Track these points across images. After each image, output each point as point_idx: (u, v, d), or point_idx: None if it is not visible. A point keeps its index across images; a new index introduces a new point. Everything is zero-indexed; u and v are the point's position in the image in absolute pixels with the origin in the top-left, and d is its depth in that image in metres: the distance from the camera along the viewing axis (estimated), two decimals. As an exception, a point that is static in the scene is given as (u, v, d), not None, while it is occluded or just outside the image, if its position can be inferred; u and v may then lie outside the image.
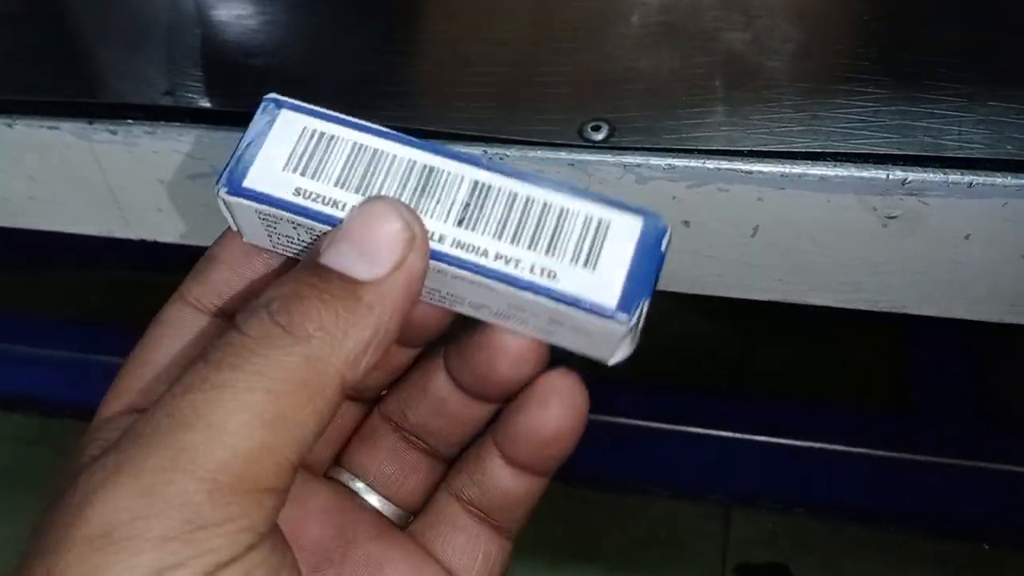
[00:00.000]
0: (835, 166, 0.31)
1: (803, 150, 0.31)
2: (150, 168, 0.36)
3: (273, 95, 0.26)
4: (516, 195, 0.25)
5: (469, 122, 0.33)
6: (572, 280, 0.24)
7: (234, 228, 0.27)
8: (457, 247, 0.24)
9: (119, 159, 0.36)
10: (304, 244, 0.26)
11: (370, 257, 0.22)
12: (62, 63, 0.38)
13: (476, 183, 0.25)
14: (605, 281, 0.24)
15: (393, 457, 0.30)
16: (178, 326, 0.26)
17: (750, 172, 0.31)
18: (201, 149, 0.35)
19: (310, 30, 0.39)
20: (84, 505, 0.20)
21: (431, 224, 0.24)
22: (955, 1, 0.37)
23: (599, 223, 0.25)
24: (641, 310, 0.24)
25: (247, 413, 0.20)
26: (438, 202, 0.25)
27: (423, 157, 0.25)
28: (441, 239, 0.24)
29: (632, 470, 0.98)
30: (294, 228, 0.25)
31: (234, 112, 0.35)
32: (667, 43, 0.36)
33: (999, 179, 0.30)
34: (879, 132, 0.31)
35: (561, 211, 0.25)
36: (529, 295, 0.24)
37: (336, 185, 0.25)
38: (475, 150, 0.33)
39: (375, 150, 0.25)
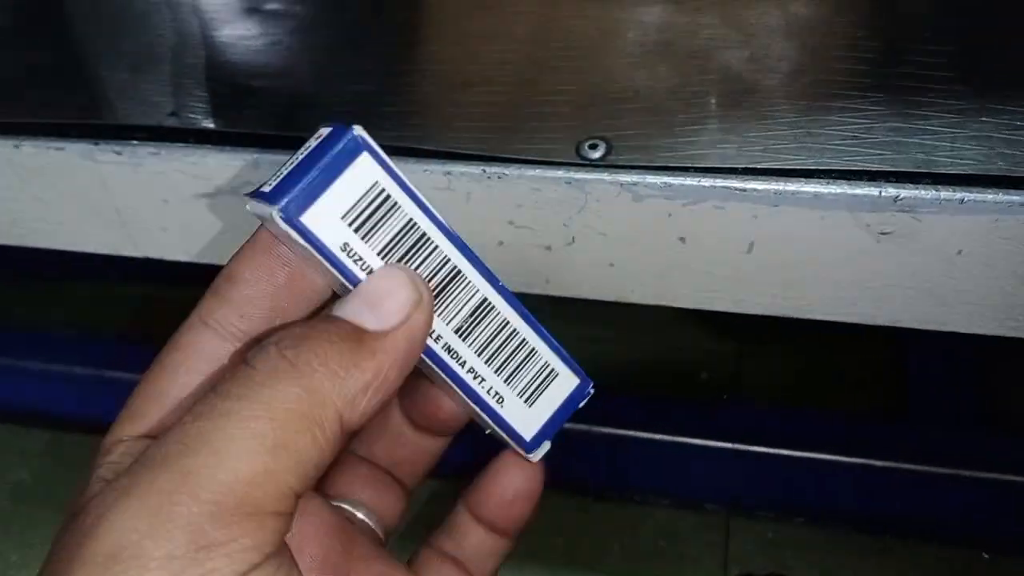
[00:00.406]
0: (828, 183, 0.31)
1: (797, 167, 0.31)
2: (155, 188, 0.37)
3: (360, 132, 0.25)
4: (508, 323, 0.28)
5: (468, 141, 0.34)
6: (512, 409, 0.29)
7: (252, 218, 0.26)
8: (446, 351, 0.27)
9: (125, 179, 0.37)
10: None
11: (379, 311, 0.24)
12: (68, 85, 0.39)
13: (484, 300, 0.27)
14: (532, 418, 0.30)
15: (369, 483, 0.33)
16: (196, 355, 0.26)
17: (745, 190, 0.32)
18: (206, 169, 0.35)
19: (313, 51, 0.40)
20: (94, 526, 0.20)
21: (436, 323, 0.27)
22: (947, 18, 0.38)
23: (550, 371, 0.29)
24: (543, 449, 0.30)
25: (249, 439, 0.21)
26: (449, 305, 0.27)
27: (456, 257, 0.27)
28: (437, 339, 0.27)
29: (632, 481, 0.98)
30: (323, 271, 0.26)
31: (238, 133, 0.35)
32: (664, 62, 0.37)
33: (991, 195, 0.30)
34: (872, 149, 0.32)
35: (531, 351, 0.29)
36: (477, 408, 0.28)
37: (379, 255, 0.25)
38: (474, 169, 0.33)
39: (423, 234, 0.26)
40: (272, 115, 0.36)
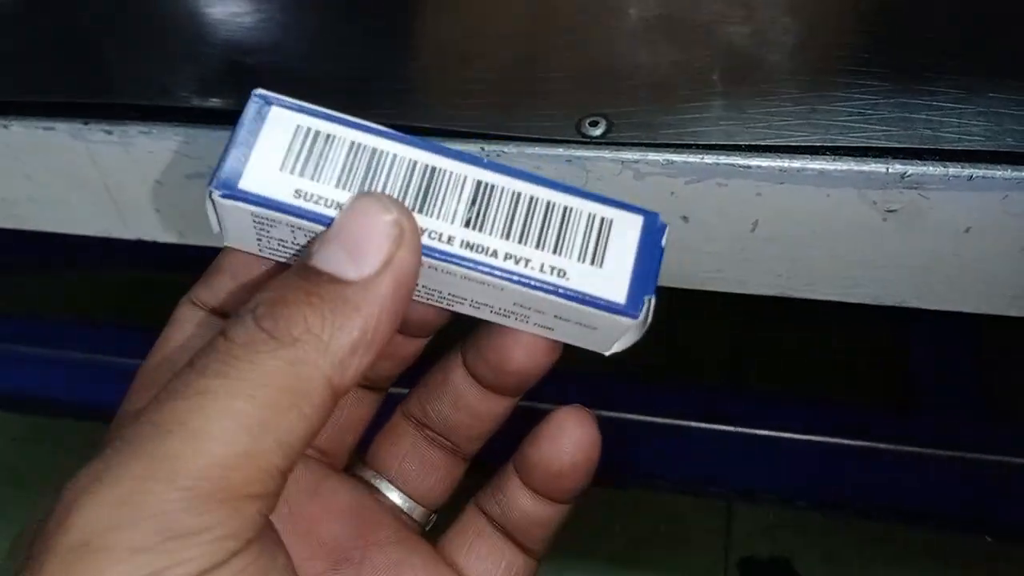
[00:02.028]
0: (834, 160, 0.31)
1: (802, 144, 0.31)
2: (147, 168, 0.36)
3: (261, 91, 0.25)
4: (520, 194, 0.25)
5: (467, 119, 0.33)
6: (582, 278, 0.24)
7: (216, 230, 0.26)
8: (467, 248, 0.24)
9: (115, 159, 0.36)
10: (298, 247, 0.25)
11: (358, 256, 0.22)
12: (57, 63, 0.38)
13: (480, 183, 0.25)
14: (613, 278, 0.25)
15: (415, 454, 0.31)
16: (188, 325, 0.27)
17: (749, 167, 0.31)
18: (197, 148, 0.35)
19: (306, 27, 0.39)
20: (65, 513, 0.20)
21: (438, 225, 0.24)
22: (954, -7, 0.37)
23: (602, 221, 0.25)
24: (648, 306, 0.25)
25: (229, 419, 0.20)
26: (443, 203, 0.24)
27: (424, 157, 0.25)
28: (450, 240, 0.24)
29: (633, 465, 0.98)
30: (292, 231, 0.24)
31: (230, 111, 0.35)
32: (665, 37, 0.36)
33: (999, 172, 0.30)
34: (878, 125, 0.31)
35: (565, 210, 0.25)
36: (541, 294, 0.24)
37: (337, 186, 0.24)
38: (473, 147, 0.33)
39: (374, 149, 0.25)
40: (266, 93, 0.35)
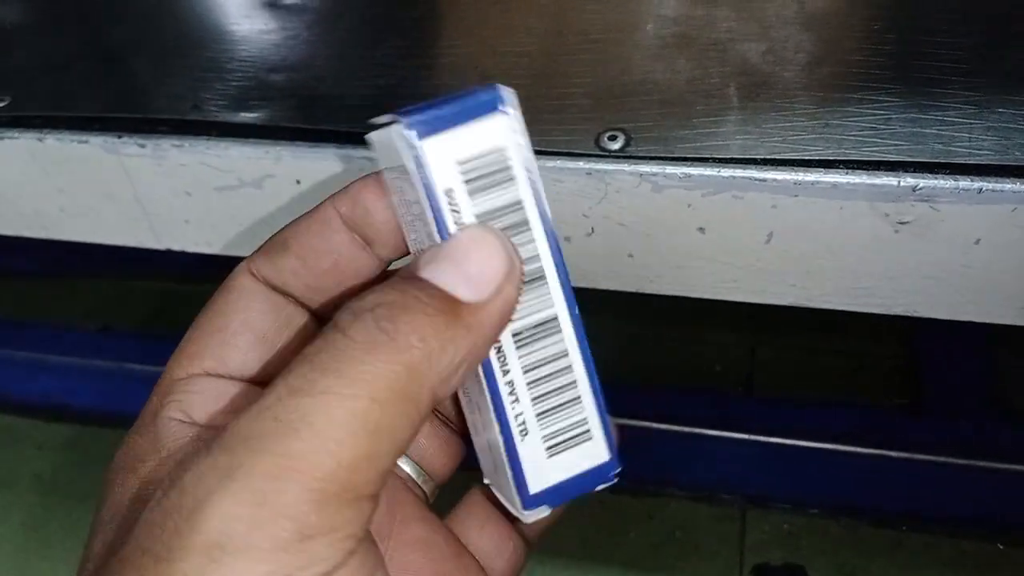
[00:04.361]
0: (847, 173, 0.31)
1: (816, 158, 0.32)
2: (178, 180, 0.37)
3: (507, 90, 0.24)
4: (566, 353, 0.26)
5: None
6: (530, 450, 0.26)
7: (373, 153, 0.26)
8: (496, 351, 0.25)
9: (148, 172, 0.37)
10: (406, 220, 0.25)
11: (474, 281, 0.23)
12: (91, 79, 0.39)
13: (555, 318, 0.25)
14: (546, 472, 0.26)
15: (430, 433, 0.31)
16: (249, 297, 0.27)
17: (764, 180, 0.32)
18: (227, 162, 0.36)
19: (332, 45, 0.40)
20: (196, 511, 0.19)
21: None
22: (965, 9, 0.38)
23: (585, 431, 0.26)
24: (540, 513, 0.26)
25: (352, 421, 0.20)
26: (520, 305, 0.25)
27: (545, 259, 0.25)
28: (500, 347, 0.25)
29: (648, 472, 0.99)
30: (411, 207, 0.24)
31: (260, 126, 0.36)
32: (682, 53, 0.37)
33: (1009, 185, 0.30)
34: (890, 139, 0.32)
35: (576, 398, 0.26)
36: (497, 428, 0.25)
37: (477, 216, 0.24)
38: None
39: (526, 219, 0.24)
40: (293, 108, 0.36)
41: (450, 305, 0.22)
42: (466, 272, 0.23)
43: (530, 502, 0.26)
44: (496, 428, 0.25)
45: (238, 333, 0.26)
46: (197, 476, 0.20)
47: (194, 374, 0.26)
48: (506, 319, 0.23)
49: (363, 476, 0.20)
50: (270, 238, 0.27)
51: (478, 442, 0.28)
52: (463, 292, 0.22)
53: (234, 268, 0.27)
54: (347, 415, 0.20)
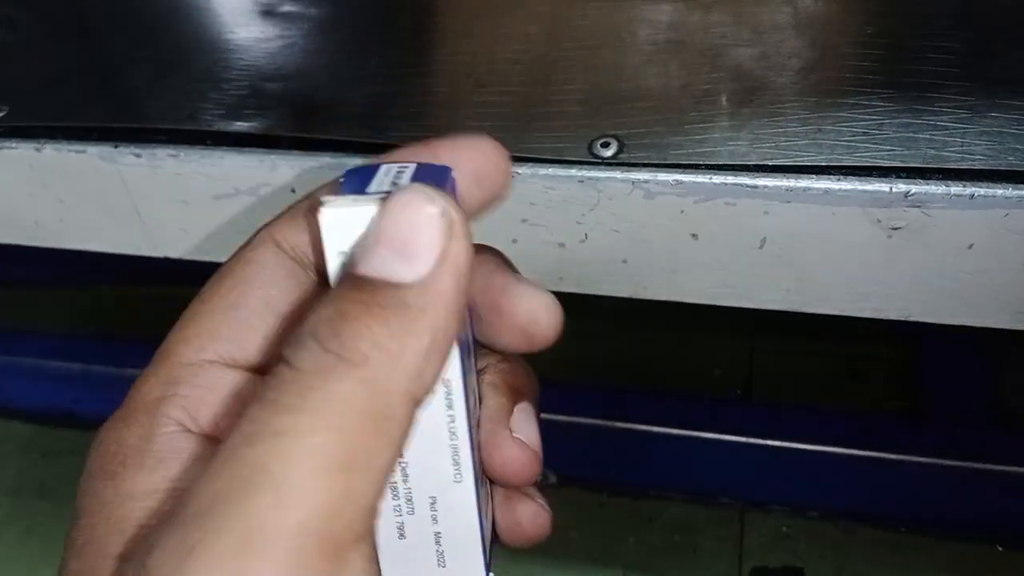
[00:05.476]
0: (839, 179, 0.31)
1: (808, 164, 0.32)
2: (174, 189, 0.37)
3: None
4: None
5: (482, 141, 0.34)
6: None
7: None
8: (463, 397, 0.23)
9: (144, 181, 0.37)
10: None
11: (409, 255, 0.19)
12: (88, 89, 0.40)
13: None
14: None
15: None
16: (271, 269, 0.23)
17: (756, 186, 0.32)
18: (223, 171, 0.36)
19: (328, 53, 0.40)
20: None
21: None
22: (957, 15, 0.38)
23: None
24: None
25: (315, 461, 0.17)
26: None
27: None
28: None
29: (647, 475, 0.99)
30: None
31: (255, 135, 0.36)
32: (675, 60, 0.37)
33: (1000, 190, 0.30)
34: (883, 145, 0.32)
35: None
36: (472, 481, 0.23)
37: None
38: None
39: None
40: (289, 117, 0.37)
41: (394, 293, 0.19)
42: (399, 249, 0.19)
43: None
44: (471, 480, 0.23)
45: (258, 313, 0.23)
46: (160, 559, 0.17)
47: (205, 360, 0.22)
48: (463, 279, 0.20)
49: (344, 519, 0.18)
50: (293, 204, 0.24)
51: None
52: (403, 272, 0.19)
53: (252, 237, 0.24)
54: (307, 455, 0.17)
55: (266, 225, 0.24)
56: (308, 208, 0.23)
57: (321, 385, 0.18)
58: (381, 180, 0.22)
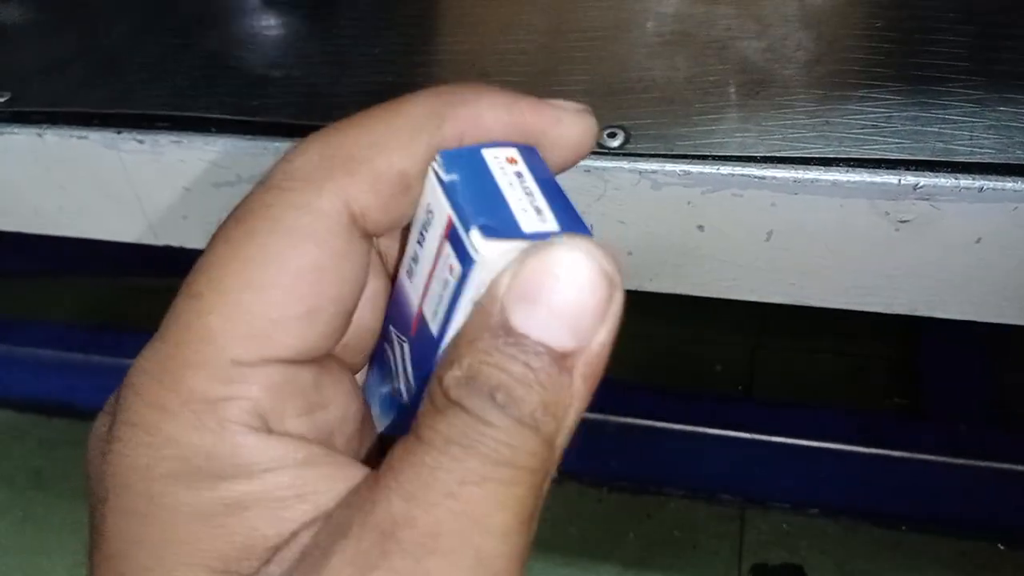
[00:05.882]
0: (847, 171, 0.31)
1: (816, 156, 0.31)
2: (176, 176, 0.37)
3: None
4: None
5: (488, 130, 0.34)
6: None
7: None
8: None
9: (146, 168, 0.37)
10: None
11: (576, 326, 0.19)
12: (90, 75, 0.39)
13: None
14: None
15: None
16: (342, 248, 0.20)
17: (763, 178, 0.32)
18: (226, 158, 0.36)
19: (331, 41, 0.40)
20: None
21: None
22: (966, 8, 0.38)
23: None
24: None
25: (507, 511, 0.18)
26: None
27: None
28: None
29: (648, 471, 0.99)
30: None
31: (258, 122, 0.36)
32: (682, 51, 0.37)
33: (1010, 183, 0.30)
34: (891, 137, 0.32)
35: None
36: None
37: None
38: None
39: None
40: (292, 104, 0.36)
41: (559, 361, 0.18)
42: (568, 322, 0.18)
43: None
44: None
45: (331, 309, 0.20)
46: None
47: (269, 359, 0.19)
48: (613, 337, 0.19)
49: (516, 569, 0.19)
50: (333, 144, 0.21)
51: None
52: (567, 342, 0.18)
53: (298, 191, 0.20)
54: (509, 506, 0.18)
55: (316, 177, 0.20)
56: (399, 182, 0.20)
57: (511, 441, 0.18)
58: (501, 179, 0.20)
